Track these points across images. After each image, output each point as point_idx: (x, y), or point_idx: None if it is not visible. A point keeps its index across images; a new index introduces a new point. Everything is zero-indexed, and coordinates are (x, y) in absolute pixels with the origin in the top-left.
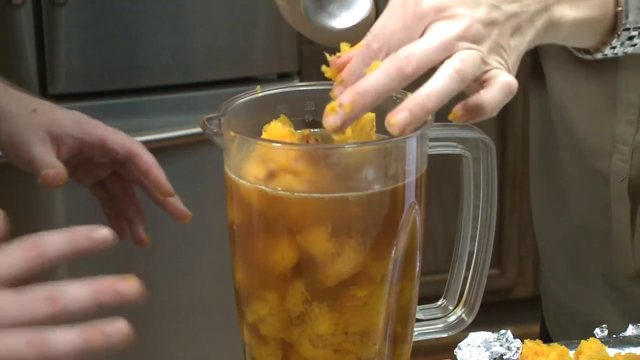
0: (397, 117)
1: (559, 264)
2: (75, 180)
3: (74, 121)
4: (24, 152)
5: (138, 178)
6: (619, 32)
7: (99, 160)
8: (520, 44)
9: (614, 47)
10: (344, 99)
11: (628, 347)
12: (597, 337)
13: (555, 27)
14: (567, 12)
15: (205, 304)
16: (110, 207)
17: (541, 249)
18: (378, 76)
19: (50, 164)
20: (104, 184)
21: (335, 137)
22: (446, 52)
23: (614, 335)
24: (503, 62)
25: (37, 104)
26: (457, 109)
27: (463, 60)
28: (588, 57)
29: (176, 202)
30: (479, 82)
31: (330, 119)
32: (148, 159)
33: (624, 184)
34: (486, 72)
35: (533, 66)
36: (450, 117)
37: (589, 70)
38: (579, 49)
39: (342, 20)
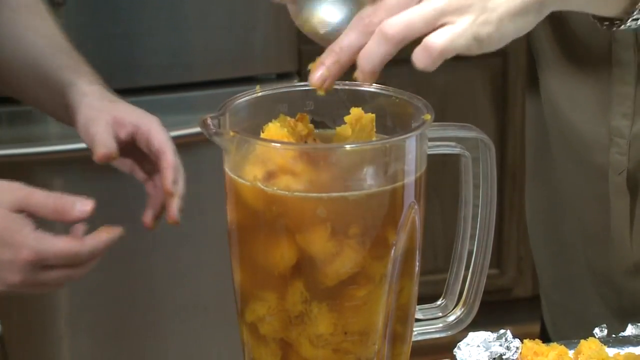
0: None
1: (554, 265)
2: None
3: (137, 112)
4: (90, 132)
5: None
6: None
7: (144, 150)
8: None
9: (636, 19)
10: (323, 56)
11: (627, 347)
12: (597, 336)
13: None
14: None
15: (204, 304)
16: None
17: (535, 252)
18: (349, 35)
19: (107, 143)
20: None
21: (320, 92)
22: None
23: (613, 335)
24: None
25: (116, 99)
26: None
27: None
28: (607, 26)
29: (174, 202)
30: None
31: (313, 75)
32: (170, 160)
33: (623, 177)
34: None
35: (530, 72)
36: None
37: (582, 66)
38: (600, 20)
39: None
